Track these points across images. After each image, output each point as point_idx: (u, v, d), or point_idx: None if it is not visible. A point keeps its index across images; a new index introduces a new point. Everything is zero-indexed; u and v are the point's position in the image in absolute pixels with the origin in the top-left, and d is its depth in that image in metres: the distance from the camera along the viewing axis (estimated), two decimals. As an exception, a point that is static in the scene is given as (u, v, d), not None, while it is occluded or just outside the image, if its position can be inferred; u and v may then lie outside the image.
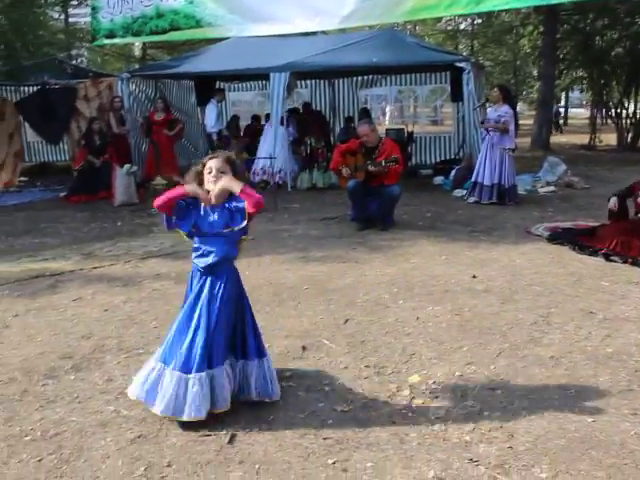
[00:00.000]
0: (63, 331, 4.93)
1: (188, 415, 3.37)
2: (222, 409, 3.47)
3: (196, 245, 3.56)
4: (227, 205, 3.48)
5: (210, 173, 3.48)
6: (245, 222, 3.47)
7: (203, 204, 3.50)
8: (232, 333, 3.58)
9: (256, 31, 10.86)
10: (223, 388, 3.46)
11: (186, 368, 3.40)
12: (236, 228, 3.50)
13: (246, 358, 3.63)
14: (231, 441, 3.29)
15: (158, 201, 3.46)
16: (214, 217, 3.49)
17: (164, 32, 11.55)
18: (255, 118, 15.88)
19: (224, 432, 3.36)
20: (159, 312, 5.29)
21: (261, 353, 3.67)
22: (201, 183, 3.51)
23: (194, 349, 3.41)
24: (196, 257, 3.55)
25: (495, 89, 10.53)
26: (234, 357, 3.63)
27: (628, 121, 22.67)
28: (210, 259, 3.49)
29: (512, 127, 10.08)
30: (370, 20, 10.61)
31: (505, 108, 10.07)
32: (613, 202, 7.37)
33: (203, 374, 3.39)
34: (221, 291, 3.50)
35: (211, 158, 3.54)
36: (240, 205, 3.43)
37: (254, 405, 3.61)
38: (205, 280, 3.52)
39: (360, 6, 9.49)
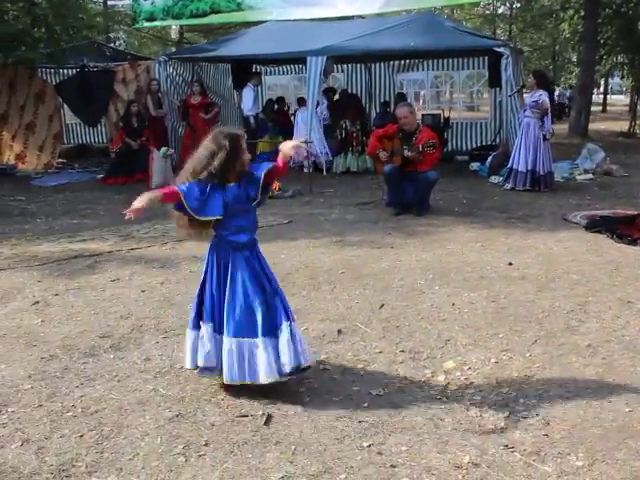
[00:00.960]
0: (102, 311, 5.01)
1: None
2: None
3: (226, 223, 3.58)
4: (244, 180, 3.58)
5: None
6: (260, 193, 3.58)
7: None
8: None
9: (297, 14, 10.85)
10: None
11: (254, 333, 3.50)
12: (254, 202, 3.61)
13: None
14: (267, 422, 3.33)
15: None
16: (238, 193, 3.56)
17: (204, 15, 11.61)
18: (279, 101, 15.80)
19: (260, 413, 3.40)
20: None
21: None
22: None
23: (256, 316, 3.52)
24: (231, 235, 3.58)
25: (532, 75, 10.41)
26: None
27: (670, 108, 22.27)
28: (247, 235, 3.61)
29: (549, 115, 9.97)
30: (410, 5, 10.60)
31: (539, 92, 9.96)
32: None
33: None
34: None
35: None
36: (257, 174, 3.57)
37: (290, 387, 3.65)
38: (239, 255, 3.58)
39: (400, -9, 9.44)
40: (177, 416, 3.40)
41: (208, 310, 3.60)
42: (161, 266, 6.22)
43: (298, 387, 3.68)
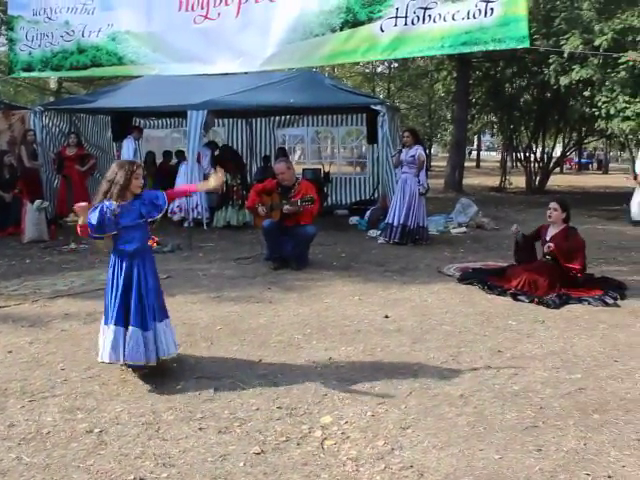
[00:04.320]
0: (-37, 374, 4.73)
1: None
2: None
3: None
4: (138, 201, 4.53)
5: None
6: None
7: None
8: None
9: (179, 70, 10.85)
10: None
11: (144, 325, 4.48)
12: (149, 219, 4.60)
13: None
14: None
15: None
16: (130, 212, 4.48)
17: (85, 68, 11.40)
18: (166, 154, 15.77)
19: (132, 477, 3.27)
20: (67, 353, 5.15)
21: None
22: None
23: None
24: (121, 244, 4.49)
25: (406, 133, 10.77)
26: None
27: (536, 165, 23.59)
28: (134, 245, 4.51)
29: (424, 169, 10.35)
30: (290, 64, 10.79)
31: (415, 147, 10.33)
32: (515, 227, 7.71)
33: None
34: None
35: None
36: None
37: (166, 450, 3.54)
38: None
39: (281, 49, 9.64)
40: (45, 486, 3.23)
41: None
42: (30, 325, 5.95)
43: (173, 448, 3.58)
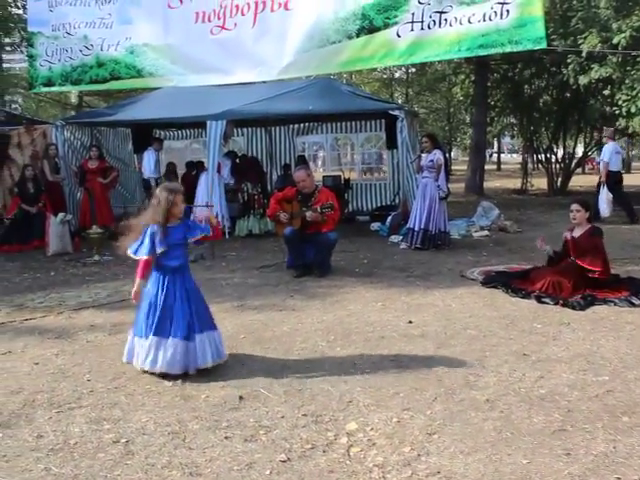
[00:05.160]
0: (-9, 387, 4.78)
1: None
2: None
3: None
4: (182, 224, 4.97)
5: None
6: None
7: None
8: None
9: (197, 81, 10.98)
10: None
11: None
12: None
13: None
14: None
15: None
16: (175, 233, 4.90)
17: (105, 81, 11.57)
18: (190, 165, 15.83)
19: (158, 487, 3.28)
20: (93, 364, 5.18)
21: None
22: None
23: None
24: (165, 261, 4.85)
25: (425, 138, 10.75)
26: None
27: (557, 166, 23.42)
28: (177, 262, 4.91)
29: (442, 173, 10.30)
30: (307, 71, 10.87)
31: (434, 151, 10.31)
32: (539, 240, 7.69)
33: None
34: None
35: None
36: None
37: (192, 459, 3.55)
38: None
39: (298, 57, 9.71)
40: (71, 497, 3.25)
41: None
42: (56, 337, 6.00)
43: (199, 457, 3.58)
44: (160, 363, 4.76)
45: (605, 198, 13.30)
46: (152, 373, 4.84)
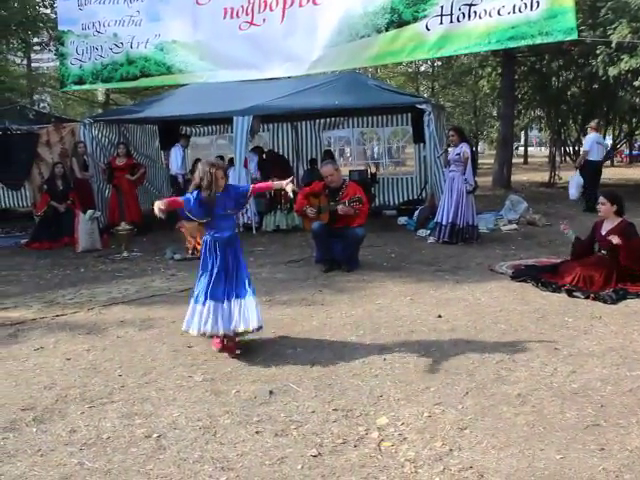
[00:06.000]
0: (24, 382, 4.82)
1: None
2: None
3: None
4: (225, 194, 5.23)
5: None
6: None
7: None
8: None
9: (227, 77, 11.02)
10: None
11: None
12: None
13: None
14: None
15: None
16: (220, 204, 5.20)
17: (135, 78, 11.65)
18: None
19: (191, 481, 3.30)
20: (124, 360, 5.22)
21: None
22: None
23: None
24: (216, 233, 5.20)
25: (451, 132, 10.67)
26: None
27: (586, 158, 23.10)
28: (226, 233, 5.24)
29: (470, 167, 10.20)
30: (337, 66, 10.83)
31: (461, 145, 10.22)
32: (563, 224, 7.78)
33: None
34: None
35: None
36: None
37: (223, 453, 3.56)
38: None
39: (327, 52, 9.68)
40: (104, 491, 3.27)
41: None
42: (87, 332, 6.05)
43: (231, 452, 3.59)
44: (221, 325, 5.13)
45: (575, 183, 14.70)
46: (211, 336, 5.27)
